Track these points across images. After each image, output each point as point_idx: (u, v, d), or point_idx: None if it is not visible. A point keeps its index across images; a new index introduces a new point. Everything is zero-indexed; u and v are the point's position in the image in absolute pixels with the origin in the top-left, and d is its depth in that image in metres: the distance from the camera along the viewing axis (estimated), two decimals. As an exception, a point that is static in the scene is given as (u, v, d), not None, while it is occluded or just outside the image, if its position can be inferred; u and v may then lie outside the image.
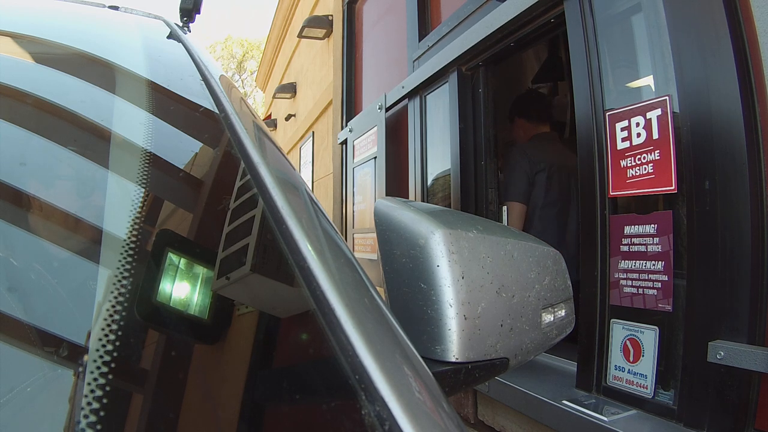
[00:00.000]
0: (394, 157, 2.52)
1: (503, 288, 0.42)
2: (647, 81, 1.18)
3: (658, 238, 1.14)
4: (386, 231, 0.43)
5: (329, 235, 0.35)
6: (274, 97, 6.55)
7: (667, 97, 1.11)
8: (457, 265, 0.39)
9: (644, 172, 1.16)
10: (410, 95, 2.37)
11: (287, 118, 6.20)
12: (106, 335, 0.23)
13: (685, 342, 1.07)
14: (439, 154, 2.15)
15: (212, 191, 0.35)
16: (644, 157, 1.16)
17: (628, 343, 1.21)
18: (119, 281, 0.26)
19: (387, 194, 2.40)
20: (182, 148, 0.40)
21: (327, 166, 4.19)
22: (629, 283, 1.20)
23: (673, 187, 1.09)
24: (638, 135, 1.17)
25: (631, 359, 1.20)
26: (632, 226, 1.20)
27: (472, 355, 0.39)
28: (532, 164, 1.96)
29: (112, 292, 0.25)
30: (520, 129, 2.15)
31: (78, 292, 0.26)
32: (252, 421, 0.23)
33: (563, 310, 0.51)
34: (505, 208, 1.96)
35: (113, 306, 0.24)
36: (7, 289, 0.25)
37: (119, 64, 0.49)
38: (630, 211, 1.22)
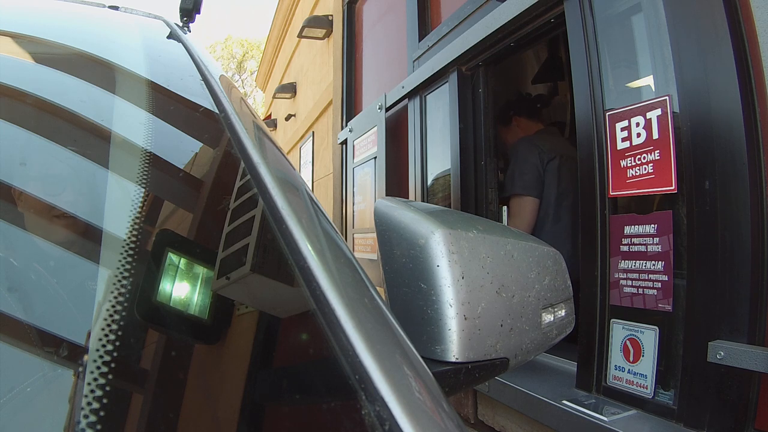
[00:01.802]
0: (394, 157, 2.52)
1: (503, 288, 0.42)
2: (647, 81, 1.18)
3: (658, 238, 1.14)
4: (386, 231, 0.43)
5: (329, 235, 0.35)
6: (274, 97, 6.55)
7: (667, 97, 1.11)
8: (457, 265, 0.39)
9: (644, 172, 1.16)
10: (410, 95, 2.37)
11: (287, 118, 6.20)
12: (106, 335, 0.23)
13: (685, 342, 1.07)
14: (439, 154, 2.15)
15: (212, 191, 0.35)
16: (644, 157, 1.16)
17: (628, 343, 1.21)
18: (119, 281, 0.26)
19: (387, 194, 2.40)
20: (182, 148, 0.40)
21: (327, 166, 4.19)
22: (629, 283, 1.20)
23: (673, 187, 1.09)
24: (638, 135, 1.17)
25: (631, 359, 1.20)
26: (632, 226, 1.20)
27: (472, 355, 0.39)
28: (542, 154, 1.89)
29: (112, 292, 0.25)
30: (519, 129, 2.11)
31: (78, 292, 0.26)
32: (252, 421, 0.23)
33: (563, 310, 0.51)
34: (505, 207, 1.95)
35: (113, 306, 0.24)
36: (7, 289, 0.25)
37: (119, 64, 0.49)
38: (630, 211, 1.22)
